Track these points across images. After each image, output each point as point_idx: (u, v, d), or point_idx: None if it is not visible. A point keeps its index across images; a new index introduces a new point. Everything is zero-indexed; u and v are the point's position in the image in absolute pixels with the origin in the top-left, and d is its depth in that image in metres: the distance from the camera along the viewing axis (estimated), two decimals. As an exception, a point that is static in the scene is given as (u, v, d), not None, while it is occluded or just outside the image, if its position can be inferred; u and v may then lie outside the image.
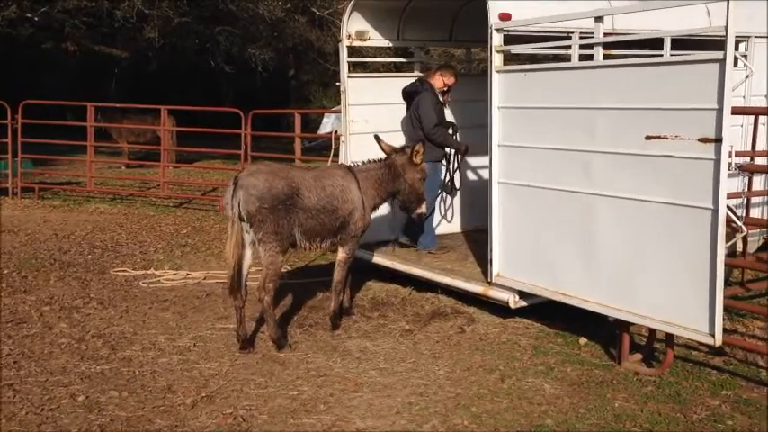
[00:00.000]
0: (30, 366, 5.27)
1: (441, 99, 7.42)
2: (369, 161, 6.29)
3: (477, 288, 6.38)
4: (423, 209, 6.43)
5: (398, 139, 6.92)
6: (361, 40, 7.81)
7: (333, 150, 8.37)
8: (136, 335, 5.98)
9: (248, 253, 5.62)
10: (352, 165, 6.31)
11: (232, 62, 21.49)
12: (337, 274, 6.15)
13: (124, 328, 6.16)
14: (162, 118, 13.42)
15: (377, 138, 6.39)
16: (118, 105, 16.16)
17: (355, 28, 7.73)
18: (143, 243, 9.51)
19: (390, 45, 8.17)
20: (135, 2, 16.61)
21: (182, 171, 15.95)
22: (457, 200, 7.89)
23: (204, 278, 7.79)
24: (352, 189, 5.97)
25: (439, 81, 7.36)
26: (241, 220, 5.45)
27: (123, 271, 8.05)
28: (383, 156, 6.31)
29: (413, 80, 7.61)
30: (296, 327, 6.14)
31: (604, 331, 5.71)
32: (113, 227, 10.46)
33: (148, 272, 8.02)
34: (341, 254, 6.13)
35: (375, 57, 12.40)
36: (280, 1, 18.07)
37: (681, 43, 6.14)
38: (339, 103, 8.11)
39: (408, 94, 7.41)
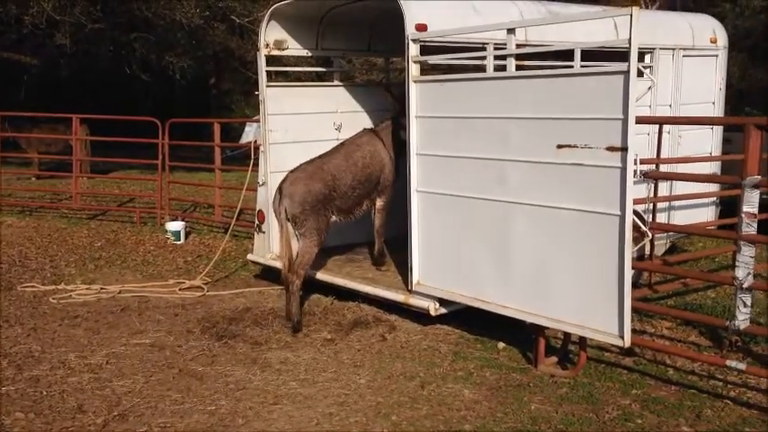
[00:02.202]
0: (-74, 390, 4.97)
1: None
2: (382, 120, 7.26)
3: (398, 296, 6.41)
4: None
5: (317, 150, 6.94)
6: (279, 49, 7.75)
7: (252, 160, 8.26)
8: (44, 353, 5.73)
9: (295, 243, 6.58)
10: (372, 126, 7.27)
11: (149, 70, 20.90)
12: (378, 220, 7.15)
13: (31, 346, 5.89)
14: (74, 127, 12.93)
15: (387, 88, 7.55)
16: (27, 114, 15.47)
17: (273, 37, 7.66)
18: (53, 257, 9.13)
19: (310, 54, 8.14)
20: (45, 7, 15.95)
21: (96, 182, 15.39)
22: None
23: (119, 292, 7.54)
24: (378, 149, 6.94)
25: None
26: (288, 221, 6.41)
27: (32, 287, 7.70)
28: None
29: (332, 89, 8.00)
30: (214, 340, 6.02)
31: (522, 335, 5.83)
32: (22, 240, 9.99)
33: (59, 287, 7.71)
34: (379, 203, 7.08)
35: (295, 66, 12.30)
36: (198, 8, 17.70)
37: (593, 55, 6.37)
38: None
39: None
